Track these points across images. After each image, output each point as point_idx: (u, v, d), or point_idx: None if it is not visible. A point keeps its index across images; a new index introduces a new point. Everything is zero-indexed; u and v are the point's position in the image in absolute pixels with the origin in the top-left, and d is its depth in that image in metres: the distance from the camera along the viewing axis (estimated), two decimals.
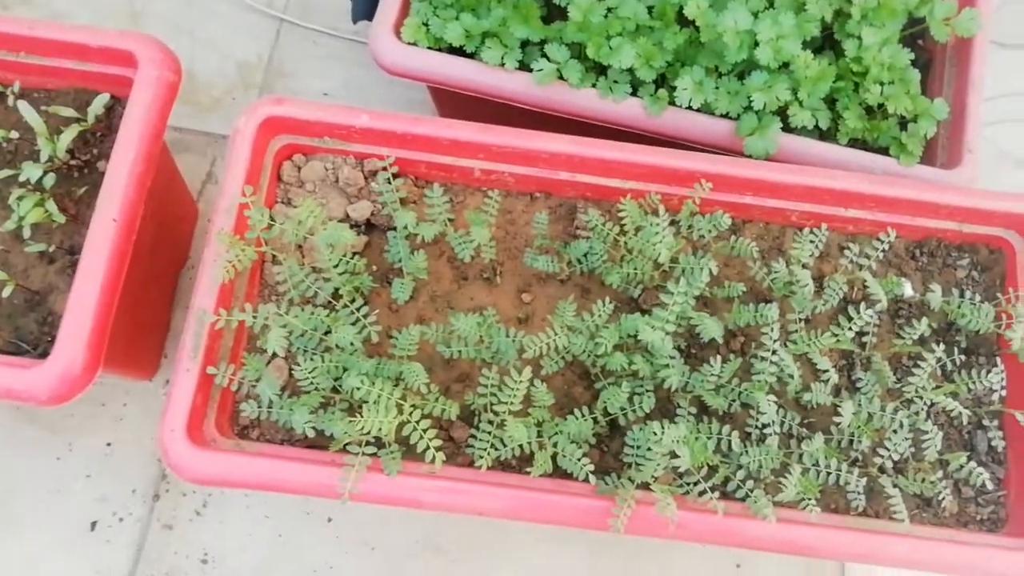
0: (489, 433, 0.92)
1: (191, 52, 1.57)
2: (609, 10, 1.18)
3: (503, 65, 1.16)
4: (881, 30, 1.17)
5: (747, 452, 0.93)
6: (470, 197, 1.14)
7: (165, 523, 1.29)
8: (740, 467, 0.94)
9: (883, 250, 1.02)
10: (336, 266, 0.94)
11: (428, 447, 0.87)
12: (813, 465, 0.93)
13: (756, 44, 1.11)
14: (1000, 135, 1.62)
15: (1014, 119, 1.63)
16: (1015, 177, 1.59)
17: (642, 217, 1.00)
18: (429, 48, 1.18)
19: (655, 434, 0.85)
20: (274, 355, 1.02)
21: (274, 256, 1.02)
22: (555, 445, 0.93)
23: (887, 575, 1.34)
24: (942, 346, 0.99)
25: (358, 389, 0.86)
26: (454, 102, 1.31)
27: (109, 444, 1.32)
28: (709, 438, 0.92)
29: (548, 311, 1.09)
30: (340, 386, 0.93)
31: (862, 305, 0.94)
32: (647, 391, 0.97)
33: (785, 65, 1.13)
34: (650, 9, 1.20)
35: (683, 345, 1.06)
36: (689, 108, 1.15)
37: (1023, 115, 1.63)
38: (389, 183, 1.05)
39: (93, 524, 1.28)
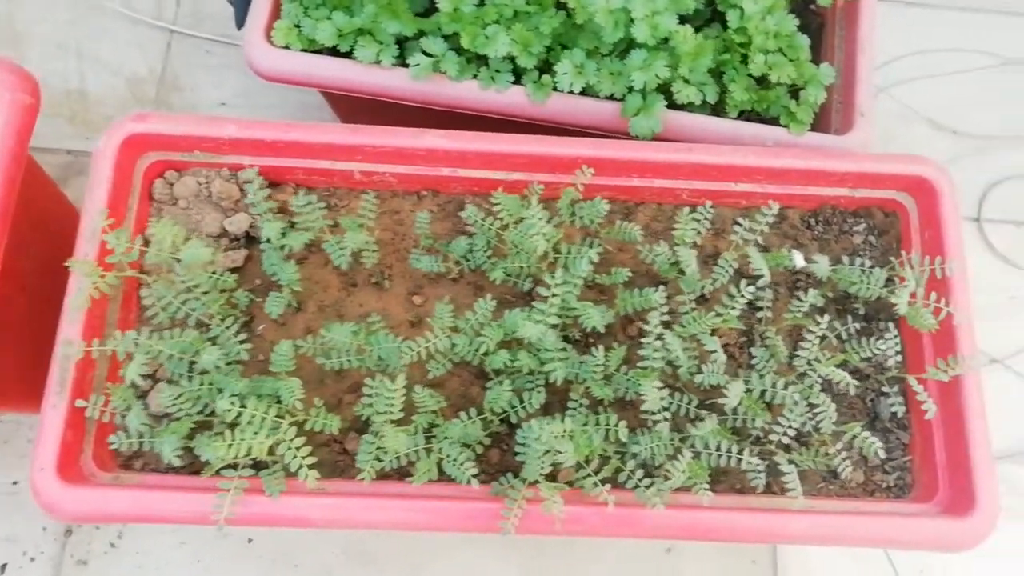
0: (371, 444, 0.89)
1: (79, 71, 1.52)
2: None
3: (380, 62, 1.13)
4: None
5: (638, 441, 0.91)
6: (354, 200, 1.11)
7: (79, 559, 1.26)
8: (633, 456, 0.92)
9: (767, 224, 1.00)
10: (197, 286, 0.91)
11: (301, 466, 0.84)
12: (705, 449, 0.92)
13: (632, 22, 1.08)
14: (910, 93, 1.61)
15: (923, 75, 1.62)
16: (926, 135, 1.59)
17: (521, 209, 0.97)
18: (303, 50, 1.15)
19: (533, 431, 0.83)
20: (157, 380, 0.99)
21: (143, 279, 0.98)
22: (441, 451, 0.91)
23: (821, 553, 1.33)
24: (833, 316, 0.97)
25: (228, 411, 0.83)
26: (347, 102, 1.27)
27: (15, 483, 1.28)
28: (597, 429, 0.90)
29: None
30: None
31: (743, 283, 0.92)
32: (537, 386, 0.95)
33: (665, 41, 1.10)
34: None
35: (578, 335, 1.03)
36: (573, 92, 1.13)
37: (932, 71, 1.62)
38: (263, 192, 1.02)
39: (3, 567, 1.24)
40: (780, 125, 1.15)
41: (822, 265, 1.00)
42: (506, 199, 0.95)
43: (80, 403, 0.91)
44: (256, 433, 0.82)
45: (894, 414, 1.02)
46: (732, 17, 1.15)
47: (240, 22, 1.33)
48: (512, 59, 1.13)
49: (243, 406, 0.84)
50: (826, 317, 0.95)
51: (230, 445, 0.81)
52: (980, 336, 1.46)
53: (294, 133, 1.03)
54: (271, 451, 0.85)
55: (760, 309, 1.04)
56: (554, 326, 0.93)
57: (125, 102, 1.51)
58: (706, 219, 1.02)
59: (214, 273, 0.98)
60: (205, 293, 0.92)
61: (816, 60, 1.25)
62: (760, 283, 0.99)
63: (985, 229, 1.53)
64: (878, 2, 1.63)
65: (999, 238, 1.53)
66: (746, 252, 1.00)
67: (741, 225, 1.04)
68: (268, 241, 0.99)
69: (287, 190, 1.10)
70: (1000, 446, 1.41)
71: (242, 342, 0.93)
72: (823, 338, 1.01)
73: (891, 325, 1.04)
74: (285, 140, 1.03)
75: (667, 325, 0.98)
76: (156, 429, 0.90)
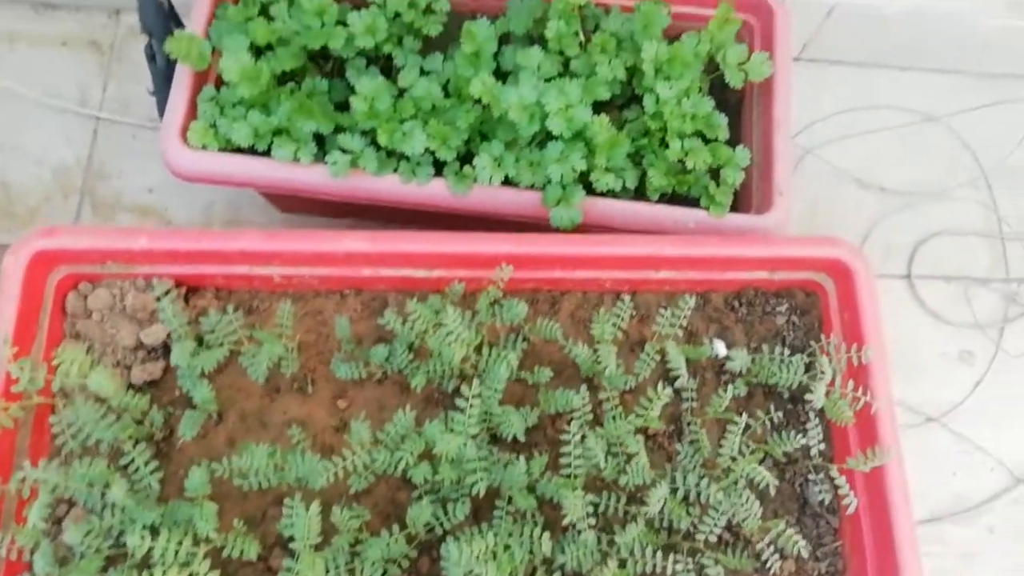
0: (291, 572, 0.87)
1: (2, 163, 1.49)
2: (402, 91, 1.15)
3: (298, 160, 1.12)
4: (679, 81, 1.16)
5: (564, 550, 0.90)
6: (276, 302, 1.09)
7: None
8: (560, 568, 0.91)
9: (685, 316, 1.01)
10: (106, 415, 0.89)
11: None
12: (631, 555, 0.91)
13: (547, 115, 1.09)
14: (837, 152, 1.63)
15: (849, 134, 1.65)
16: (855, 194, 1.61)
17: (437, 315, 0.96)
18: (221, 149, 1.14)
19: (452, 555, 0.82)
20: (72, 504, 0.96)
21: (53, 405, 0.95)
22: (362, 572, 0.89)
23: None
24: (759, 403, 0.97)
25: (139, 546, 0.81)
26: (278, 193, 1.27)
27: None
28: (521, 542, 0.89)
29: (366, 415, 1.04)
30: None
31: (660, 385, 0.92)
32: (461, 496, 0.94)
33: (581, 132, 1.11)
34: (445, 86, 1.18)
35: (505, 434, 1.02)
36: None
37: (857, 129, 1.65)
38: (175, 307, 1.00)
39: None
40: (701, 206, 1.17)
41: (739, 360, 1.00)
42: (421, 307, 0.95)
43: None
44: (166, 570, 0.80)
45: (820, 500, 1.03)
46: (648, 102, 1.16)
47: (162, 112, 1.32)
48: (432, 152, 1.13)
49: (155, 538, 0.82)
50: (744, 416, 0.95)
51: None
52: (915, 394, 1.49)
53: (206, 242, 1.02)
54: None
55: (686, 399, 1.04)
56: (475, 436, 0.92)
57: (50, 193, 1.48)
58: (625, 315, 1.02)
59: (128, 392, 0.96)
60: (116, 419, 0.90)
61: (736, 135, 1.27)
62: (678, 384, 0.99)
63: (916, 285, 1.56)
64: (802, 64, 1.68)
65: (929, 294, 1.55)
66: (667, 346, 1.00)
67: (663, 315, 1.05)
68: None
69: (206, 295, 1.08)
70: (936, 505, 1.43)
71: (155, 469, 0.91)
72: (748, 427, 1.01)
73: (813, 413, 1.05)
74: (198, 250, 1.02)
75: (592, 425, 0.98)
76: (64, 568, 0.87)
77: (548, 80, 1.14)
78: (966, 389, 1.50)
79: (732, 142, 1.25)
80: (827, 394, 0.98)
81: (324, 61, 1.25)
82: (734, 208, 1.21)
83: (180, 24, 1.31)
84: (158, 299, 1.03)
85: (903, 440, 1.41)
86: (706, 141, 1.20)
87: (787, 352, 1.06)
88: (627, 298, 1.04)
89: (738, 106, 1.30)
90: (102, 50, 1.59)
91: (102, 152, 1.52)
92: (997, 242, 1.61)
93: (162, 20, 1.20)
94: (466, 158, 1.16)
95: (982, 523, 1.42)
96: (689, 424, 1.03)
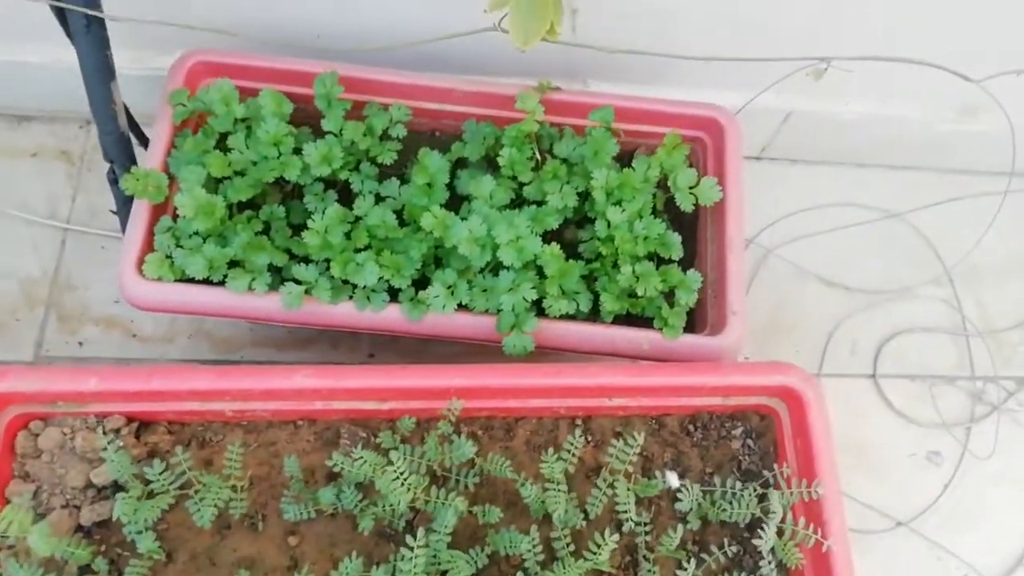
0: None
1: None
2: (357, 219, 1.17)
3: (253, 290, 1.13)
4: (630, 204, 1.18)
5: None
6: (229, 434, 1.09)
7: None
8: None
9: (635, 452, 1.00)
10: (50, 571, 0.88)
11: None
12: None
13: (498, 246, 1.10)
14: (799, 251, 1.65)
15: (812, 232, 1.67)
16: (819, 293, 1.62)
17: (384, 457, 0.96)
18: (178, 280, 1.15)
19: None
20: None
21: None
22: None
23: None
24: (713, 533, 0.97)
25: None
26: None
27: None
28: None
29: (318, 553, 1.04)
30: None
31: (607, 531, 0.92)
32: None
33: (534, 260, 1.12)
34: (400, 211, 1.20)
35: None
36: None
37: (820, 227, 1.68)
38: (122, 454, 1.00)
39: None
40: (655, 327, 1.17)
41: (687, 501, 1.00)
42: (367, 454, 0.94)
43: None
44: None
45: None
46: (599, 227, 1.18)
47: (125, 229, 1.34)
48: (387, 279, 1.14)
49: None
50: (692, 564, 0.94)
51: None
52: (884, 497, 1.48)
53: (157, 382, 1.02)
54: None
55: (639, 533, 1.04)
56: None
57: (15, 306, 1.49)
58: (578, 446, 1.02)
59: (77, 531, 0.95)
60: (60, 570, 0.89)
61: (693, 250, 1.29)
62: (625, 527, 0.98)
63: (882, 385, 1.56)
64: (764, 163, 1.71)
65: (896, 393, 1.55)
66: (617, 485, 1.00)
67: (615, 446, 1.04)
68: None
69: (158, 430, 1.08)
70: None
71: None
72: (702, 561, 1.00)
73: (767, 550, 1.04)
74: (148, 390, 1.02)
75: (545, 563, 0.97)
76: None
77: (501, 208, 1.16)
78: (935, 492, 1.49)
79: (689, 258, 1.27)
80: (779, 532, 0.97)
81: (284, 183, 1.27)
82: (690, 326, 1.22)
83: (144, 139, 1.33)
84: (108, 442, 1.03)
85: (874, 546, 1.41)
86: (661, 261, 1.21)
87: (741, 480, 1.06)
88: (579, 432, 1.03)
89: (694, 221, 1.32)
90: (72, 160, 1.61)
91: (69, 263, 1.53)
92: (962, 340, 1.62)
93: (123, 147, 1.22)
94: (422, 281, 1.17)
95: None
96: (644, 557, 1.02)
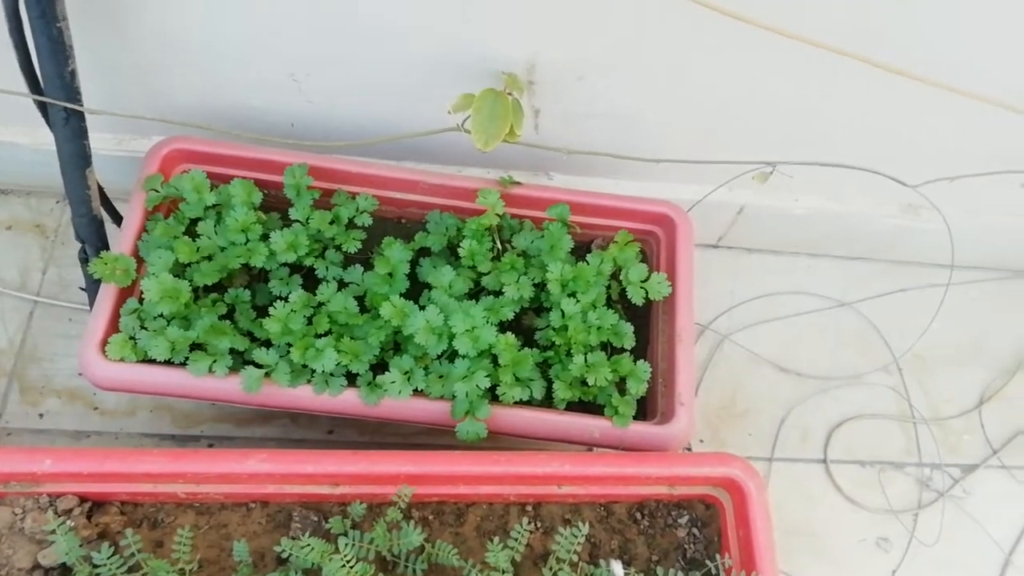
0: None
1: None
2: (320, 304, 1.21)
3: (213, 372, 1.15)
4: (584, 295, 1.23)
5: None
6: (181, 516, 1.10)
7: None
8: None
9: (579, 544, 1.03)
10: None
11: None
12: None
13: (454, 336, 1.14)
14: (754, 337, 1.71)
15: (766, 319, 1.73)
16: (772, 379, 1.67)
17: (329, 547, 0.98)
18: (140, 361, 1.17)
19: None
20: None
21: None
22: None
23: None
24: None
25: None
26: None
27: None
28: None
29: None
30: None
31: None
32: None
33: (489, 349, 1.16)
34: (362, 298, 1.24)
35: None
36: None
37: (774, 314, 1.74)
38: (72, 539, 1.01)
39: None
40: (606, 415, 1.21)
41: None
42: (315, 541, 0.96)
43: None
44: None
45: None
46: (554, 317, 1.22)
47: (93, 303, 1.36)
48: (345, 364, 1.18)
49: None
50: None
51: None
52: None
53: (110, 464, 1.04)
54: None
55: None
56: None
57: None
58: (526, 534, 1.04)
59: None
60: None
61: (645, 339, 1.34)
62: None
63: (832, 470, 1.60)
64: (720, 251, 1.78)
65: (845, 479, 1.59)
66: (567, 567, 1.02)
67: (563, 534, 1.07)
68: None
69: (111, 510, 1.09)
70: None
71: None
72: None
73: None
74: (102, 472, 1.03)
75: None
76: None
77: (460, 297, 1.20)
78: None
79: (642, 346, 1.31)
80: None
81: (251, 266, 1.32)
82: (641, 413, 1.26)
83: (118, 217, 1.37)
84: (59, 524, 1.04)
85: None
86: (614, 350, 1.26)
87: (685, 570, 1.09)
88: (527, 522, 1.06)
89: (647, 311, 1.37)
90: (47, 233, 1.64)
91: (36, 335, 1.55)
92: (910, 426, 1.67)
93: (95, 230, 1.26)
94: (380, 365, 1.21)
95: None
96: None
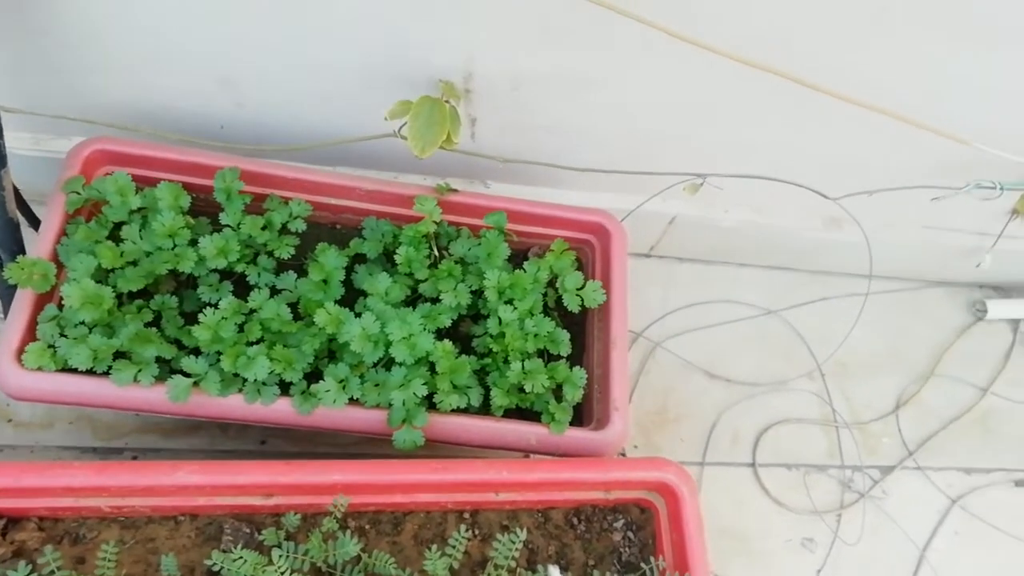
0: None
1: None
2: (252, 311, 1.18)
3: (138, 381, 1.11)
4: (521, 302, 1.24)
5: None
6: (105, 531, 1.06)
7: None
8: None
9: (517, 549, 1.03)
10: None
11: None
12: None
13: (390, 343, 1.13)
14: (686, 344, 1.75)
15: (697, 326, 1.77)
16: (703, 385, 1.72)
17: (263, 559, 0.96)
18: (60, 370, 1.12)
19: None
20: None
21: None
22: None
23: None
24: None
25: None
26: None
27: None
28: None
29: None
30: None
31: None
32: None
33: (426, 356, 1.16)
34: (295, 304, 1.22)
35: None
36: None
37: (705, 322, 1.78)
38: (11, 541, 0.96)
39: None
40: (543, 422, 1.22)
41: None
42: (247, 554, 0.94)
43: None
44: None
45: None
46: (491, 324, 1.23)
47: (7, 313, 1.30)
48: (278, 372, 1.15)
49: None
50: None
51: None
52: None
53: (28, 478, 0.99)
54: None
55: None
56: None
57: None
58: (464, 541, 1.04)
59: None
60: None
61: (582, 346, 1.35)
62: None
63: (760, 473, 1.65)
64: (653, 260, 1.81)
65: (772, 482, 1.64)
66: (505, 573, 1.02)
67: (500, 541, 1.07)
68: None
69: (28, 527, 1.04)
70: None
71: None
72: None
73: None
74: (18, 487, 0.99)
75: None
76: None
77: (396, 304, 1.20)
78: None
79: (578, 353, 1.33)
80: None
81: (179, 272, 1.28)
82: (577, 419, 1.27)
83: (35, 220, 1.31)
84: None
85: None
86: (551, 357, 1.27)
87: (621, 573, 1.10)
88: (464, 529, 1.05)
89: (583, 318, 1.39)
90: None
91: None
92: (832, 430, 1.73)
93: (10, 233, 1.20)
94: (314, 374, 1.19)
95: None
96: None
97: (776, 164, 1.46)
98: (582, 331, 1.38)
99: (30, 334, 1.13)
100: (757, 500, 1.63)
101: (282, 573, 0.92)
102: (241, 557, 0.93)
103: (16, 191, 1.21)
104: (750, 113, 1.38)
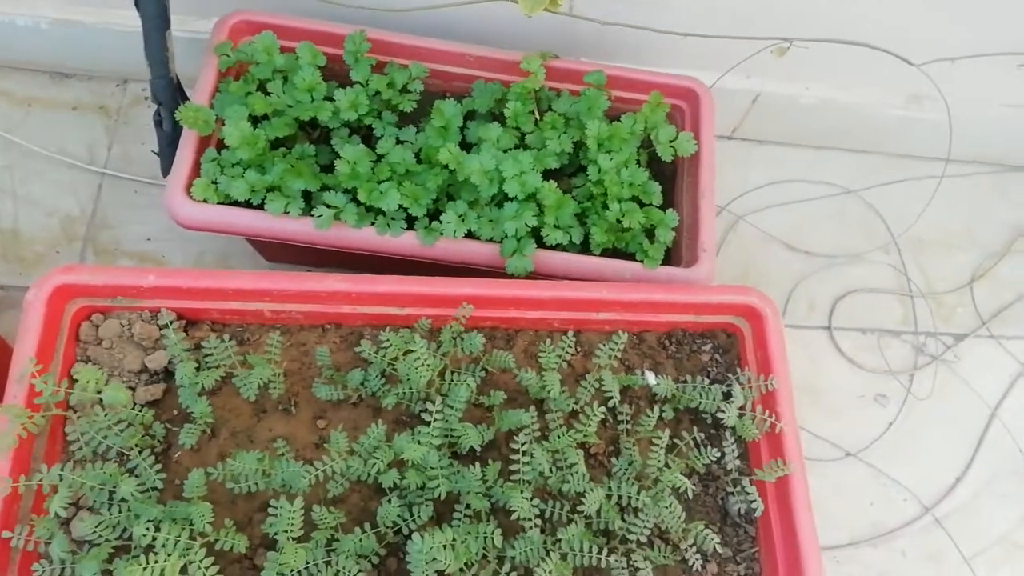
0: (275, 561, 1.00)
1: (14, 212, 1.64)
2: (380, 157, 1.34)
3: (288, 213, 1.29)
4: (618, 154, 1.37)
5: (514, 546, 1.04)
6: (265, 334, 1.24)
7: None
8: (510, 560, 1.04)
9: (619, 352, 1.18)
10: (117, 423, 1.02)
11: None
12: (571, 550, 1.05)
13: (504, 180, 1.27)
14: (767, 219, 1.85)
15: (778, 203, 1.87)
16: (783, 256, 1.82)
17: (407, 344, 1.12)
18: (220, 203, 1.30)
19: (416, 544, 0.96)
20: (79, 507, 1.08)
21: (67, 417, 1.09)
22: (337, 564, 1.02)
23: None
24: (686, 426, 1.13)
25: (143, 536, 0.94)
26: (266, 242, 1.43)
27: None
28: (476, 538, 1.03)
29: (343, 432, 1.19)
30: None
31: (595, 404, 1.09)
32: (425, 500, 1.08)
33: (533, 194, 1.30)
34: (417, 154, 1.37)
35: (466, 451, 1.17)
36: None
37: (785, 199, 1.87)
38: (178, 335, 1.15)
39: None
40: (637, 260, 1.35)
41: (663, 386, 1.17)
42: (393, 337, 1.11)
43: (6, 534, 0.99)
44: (169, 556, 0.93)
45: (739, 510, 1.18)
46: (591, 171, 1.36)
47: (165, 171, 1.49)
48: (405, 208, 1.31)
49: (158, 531, 0.95)
50: (667, 433, 1.11)
51: (144, 568, 0.91)
52: (835, 432, 1.66)
53: (206, 281, 1.17)
54: (184, 571, 0.95)
55: (621, 422, 1.21)
56: (439, 447, 1.07)
57: (56, 240, 1.63)
58: (570, 348, 1.19)
59: (134, 408, 1.09)
60: (124, 429, 1.04)
61: (670, 201, 1.47)
62: (611, 403, 1.15)
63: (835, 336, 1.75)
64: (734, 142, 1.90)
65: (847, 344, 1.74)
66: (604, 375, 1.17)
67: (602, 350, 1.21)
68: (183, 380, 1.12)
69: (203, 327, 1.23)
70: (855, 531, 1.59)
71: (158, 472, 1.04)
72: (673, 447, 1.17)
73: (729, 433, 1.21)
74: (198, 287, 1.17)
75: (540, 440, 1.13)
76: (77, 555, 0.99)
77: (506, 151, 1.34)
78: (881, 428, 1.68)
79: (666, 206, 1.45)
80: (740, 416, 1.15)
81: (312, 129, 1.44)
82: (666, 263, 1.40)
83: (184, 96, 1.49)
84: (162, 329, 1.18)
85: (825, 472, 1.59)
86: (642, 205, 1.39)
87: (709, 383, 1.24)
88: (571, 335, 1.20)
89: (672, 176, 1.50)
90: (110, 114, 1.76)
91: (105, 205, 1.68)
92: (907, 299, 1.82)
93: (172, 92, 1.38)
94: (435, 215, 1.34)
95: (896, 547, 1.58)
96: (624, 444, 1.19)
97: (861, 31, 1.53)
98: (670, 189, 1.49)
99: (195, 172, 1.31)
100: (832, 360, 1.74)
101: (422, 355, 1.09)
102: (388, 340, 1.10)
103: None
104: None
